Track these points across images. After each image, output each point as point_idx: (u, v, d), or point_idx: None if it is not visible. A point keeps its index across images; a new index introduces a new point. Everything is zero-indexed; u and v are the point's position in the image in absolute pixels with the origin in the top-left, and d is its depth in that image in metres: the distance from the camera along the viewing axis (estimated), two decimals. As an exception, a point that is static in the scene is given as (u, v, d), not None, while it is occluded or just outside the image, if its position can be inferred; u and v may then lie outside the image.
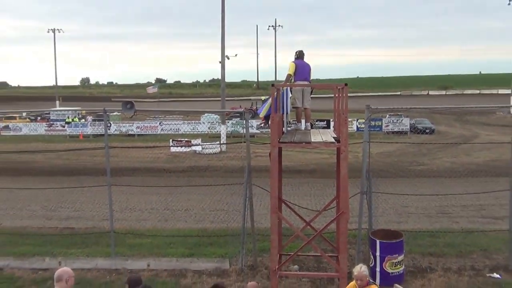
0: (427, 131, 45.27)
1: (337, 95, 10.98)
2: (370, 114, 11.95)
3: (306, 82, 11.70)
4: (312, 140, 9.82)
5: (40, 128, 52.75)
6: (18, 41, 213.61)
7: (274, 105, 9.56)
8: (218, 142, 36.50)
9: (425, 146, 35.03)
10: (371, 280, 8.04)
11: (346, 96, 9.62)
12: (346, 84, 9.83)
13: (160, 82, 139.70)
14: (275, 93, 9.52)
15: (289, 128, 11.79)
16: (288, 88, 11.27)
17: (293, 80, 11.58)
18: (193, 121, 50.78)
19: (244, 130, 12.94)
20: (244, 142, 12.76)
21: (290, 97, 11.35)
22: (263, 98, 69.55)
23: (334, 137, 10.08)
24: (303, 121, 12.12)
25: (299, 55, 11.96)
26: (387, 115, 47.57)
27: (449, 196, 16.83)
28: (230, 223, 14.99)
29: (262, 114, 11.41)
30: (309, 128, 11.96)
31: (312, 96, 12.13)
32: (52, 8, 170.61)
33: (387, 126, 46.61)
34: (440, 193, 17.00)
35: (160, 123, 50.98)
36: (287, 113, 11.30)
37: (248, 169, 12.07)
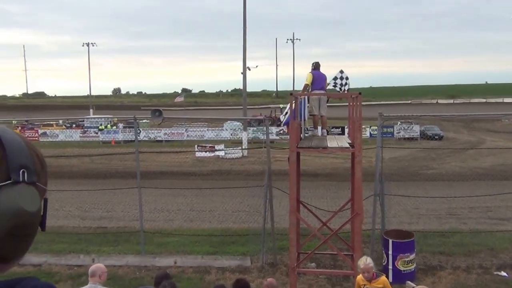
0: (436, 137, 44.87)
1: (351, 103, 10.96)
2: (383, 121, 11.90)
3: (322, 91, 11.69)
4: (329, 145, 9.81)
5: (75, 135, 53.13)
6: (55, 55, 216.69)
7: (292, 113, 9.58)
8: (240, 148, 36.51)
9: (435, 151, 34.75)
10: (378, 272, 7.99)
11: (360, 104, 9.60)
12: (360, 93, 9.81)
13: (186, 92, 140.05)
14: (294, 102, 9.53)
15: (306, 134, 11.78)
16: (306, 97, 11.29)
17: (310, 90, 11.58)
18: (217, 128, 50.82)
19: (264, 136, 12.96)
20: (265, 147, 12.78)
21: (308, 106, 11.36)
22: (281, 106, 69.59)
23: (349, 143, 10.06)
24: (319, 127, 12.11)
25: (316, 66, 11.98)
26: (399, 122, 47.26)
27: (458, 198, 16.66)
28: (251, 223, 14.99)
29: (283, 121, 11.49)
30: (326, 134, 11.94)
31: (328, 104, 12.12)
32: (86, 24, 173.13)
33: (399, 132, 46.31)
34: (449, 195, 16.84)
35: (186, 130, 51.11)
36: (304, 120, 11.31)
37: (268, 173, 12.09)
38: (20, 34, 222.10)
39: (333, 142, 10.46)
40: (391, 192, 12.13)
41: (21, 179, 1.19)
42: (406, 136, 46.24)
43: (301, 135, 11.06)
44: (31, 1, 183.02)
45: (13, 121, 50.86)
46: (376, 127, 40.19)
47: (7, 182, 1.17)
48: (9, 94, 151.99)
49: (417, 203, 17.07)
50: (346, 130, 35.91)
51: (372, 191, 11.78)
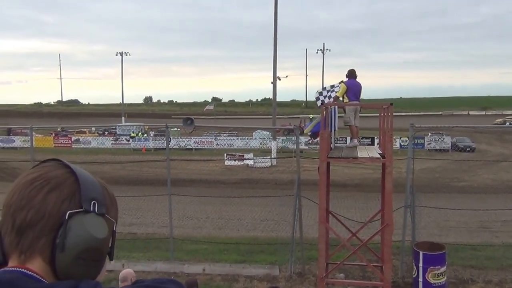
0: (468, 149, 44.19)
1: (382, 114, 10.85)
2: (414, 132, 11.73)
3: (356, 102, 11.60)
4: (359, 155, 9.73)
5: (107, 142, 53.76)
6: (89, 63, 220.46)
7: (323, 123, 9.52)
8: (269, 157, 36.48)
9: (466, 163, 34.20)
10: None
11: (391, 115, 9.49)
12: (391, 104, 9.71)
13: (216, 100, 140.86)
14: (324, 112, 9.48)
15: (337, 144, 11.71)
16: (336, 107, 11.22)
17: (345, 100, 11.46)
18: (246, 137, 50.92)
19: (293, 145, 12.91)
20: (294, 157, 12.72)
21: (344, 116, 11.30)
22: (311, 116, 69.38)
23: (379, 154, 9.94)
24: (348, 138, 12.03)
25: (351, 74, 11.81)
26: (429, 133, 46.69)
27: (490, 212, 16.34)
28: (279, 232, 14.92)
29: (307, 130, 11.42)
30: (357, 144, 11.84)
31: (359, 114, 12.03)
32: (120, 34, 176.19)
33: (429, 143, 45.75)
34: (480, 208, 16.51)
35: (215, 138, 51.33)
36: (334, 130, 11.24)
37: (298, 182, 12.02)
38: (55, 43, 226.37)
39: (364, 152, 10.36)
40: (422, 203, 11.93)
41: (91, 209, 1.35)
42: (437, 147, 45.63)
43: (331, 145, 10.98)
44: (66, 12, 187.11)
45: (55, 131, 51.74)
46: (406, 138, 39.90)
47: (79, 210, 1.33)
48: (44, 102, 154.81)
49: (447, 215, 16.79)
50: (376, 141, 35.62)
51: (402, 202, 11.61)
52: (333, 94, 12.16)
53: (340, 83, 11.90)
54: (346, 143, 27.90)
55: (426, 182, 23.77)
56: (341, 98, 11.55)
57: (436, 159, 34.32)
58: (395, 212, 9.91)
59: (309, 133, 11.51)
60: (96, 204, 1.36)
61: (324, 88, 12.81)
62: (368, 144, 35.64)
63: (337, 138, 12.24)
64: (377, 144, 29.81)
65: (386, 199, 9.16)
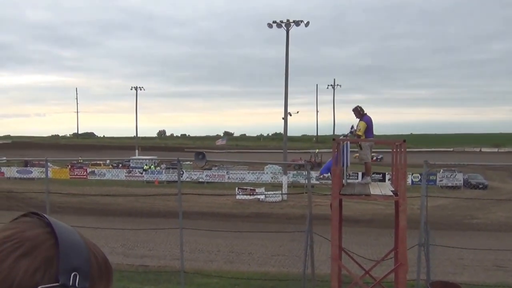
0: (480, 186, 43.62)
1: (395, 150, 10.69)
2: (428, 169, 11.51)
3: (372, 138, 11.47)
4: (372, 192, 9.54)
5: (121, 174, 53.87)
6: (105, 97, 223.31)
7: (335, 159, 9.37)
8: (280, 192, 36.23)
9: (479, 200, 33.67)
10: None
11: (405, 151, 9.33)
12: (404, 141, 9.55)
13: (227, 135, 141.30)
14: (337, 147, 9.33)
15: (349, 180, 11.53)
16: (349, 142, 11.07)
17: (363, 137, 11.30)
18: (257, 171, 50.76)
19: (304, 180, 12.74)
20: (306, 192, 12.53)
21: (360, 152, 11.15)
22: (317, 151, 69.13)
23: (392, 191, 9.75)
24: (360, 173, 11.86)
25: (363, 111, 11.67)
26: (441, 170, 46.16)
27: (505, 250, 15.94)
28: (291, 268, 14.63)
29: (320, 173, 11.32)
30: (370, 181, 11.63)
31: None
32: (135, 69, 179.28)
33: (441, 180, 45.18)
34: (495, 246, 16.13)
35: (227, 172, 51.21)
36: (347, 166, 11.06)
37: (309, 218, 11.79)
38: (73, 77, 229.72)
39: (376, 189, 10.17)
40: (435, 241, 11.63)
41: (70, 283, 1.00)
42: (449, 184, 45.05)
43: (343, 181, 10.79)
44: (83, 47, 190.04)
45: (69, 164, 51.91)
46: (418, 175, 39.48)
47: (53, 285, 0.99)
48: (61, 134, 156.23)
49: (461, 253, 16.41)
50: (387, 177, 35.30)
51: (415, 240, 11.32)
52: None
53: (360, 122, 11.68)
54: (357, 179, 27.65)
55: (439, 219, 23.37)
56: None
57: (450, 197, 33.84)
58: (408, 250, 9.65)
59: (324, 175, 11.38)
60: (78, 277, 1.01)
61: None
62: (379, 180, 35.36)
63: (349, 174, 12.02)
64: (389, 180, 29.55)
65: (400, 237, 8.92)
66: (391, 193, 9.40)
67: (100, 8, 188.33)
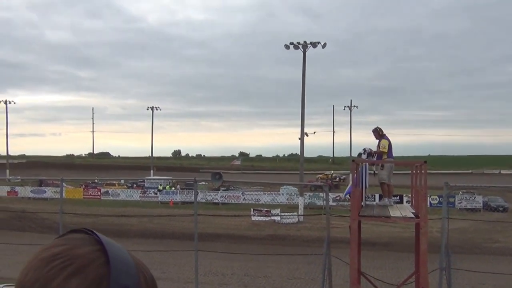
0: (500, 209, 42.97)
1: (415, 171, 10.54)
2: (449, 191, 11.32)
3: (392, 159, 11.35)
4: (391, 215, 9.38)
5: (136, 194, 53.89)
6: (120, 117, 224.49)
7: (354, 180, 9.25)
8: (296, 213, 35.96)
9: (500, 223, 33.07)
10: None
11: (425, 172, 9.19)
12: (425, 162, 9.42)
13: (243, 155, 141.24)
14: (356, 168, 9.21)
15: (367, 202, 11.38)
16: (367, 164, 10.94)
17: (384, 157, 11.19)
18: (273, 192, 50.53)
19: (321, 202, 12.59)
20: (323, 214, 12.39)
21: (380, 173, 11.01)
22: (332, 172, 68.76)
23: (412, 213, 9.58)
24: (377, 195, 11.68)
25: (382, 131, 11.59)
26: (460, 192, 45.55)
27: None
28: (307, 291, 14.41)
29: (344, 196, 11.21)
30: (388, 204, 11.46)
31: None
32: (151, 89, 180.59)
33: (460, 203, 44.58)
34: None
35: (242, 193, 51.04)
36: (366, 187, 10.92)
37: (327, 241, 11.61)
38: (89, 97, 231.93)
39: (396, 211, 10.01)
40: (456, 265, 11.38)
41: None
42: (468, 206, 44.42)
43: (362, 203, 10.64)
44: (100, 67, 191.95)
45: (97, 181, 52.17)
46: (435, 197, 38.97)
47: None
48: (76, 153, 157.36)
49: (482, 278, 16.04)
50: (405, 198, 34.88)
51: (435, 264, 11.08)
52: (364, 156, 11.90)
53: (382, 140, 11.56)
54: (374, 200, 27.33)
55: (459, 243, 22.97)
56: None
57: (470, 219, 33.31)
58: (429, 274, 9.44)
59: (346, 196, 11.28)
60: None
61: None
62: (397, 202, 34.97)
63: (367, 196, 11.88)
64: (406, 201, 29.21)
65: (422, 261, 8.73)
66: (411, 215, 9.24)
67: (118, 29, 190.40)
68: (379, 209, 10.54)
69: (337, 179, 75.91)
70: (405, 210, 10.28)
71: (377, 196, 28.99)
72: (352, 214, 8.90)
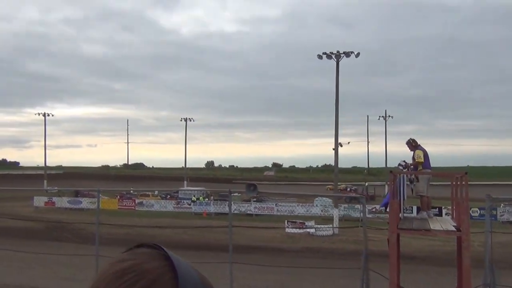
0: (545, 221, 41.67)
1: (455, 183, 10.26)
2: (491, 203, 10.98)
3: (430, 170, 11.09)
4: (432, 228, 9.13)
5: (169, 205, 54.17)
6: (154, 128, 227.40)
7: (392, 192, 9.04)
8: (331, 225, 35.59)
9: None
10: None
11: (467, 184, 8.92)
12: (466, 173, 9.15)
13: (276, 166, 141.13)
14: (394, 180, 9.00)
15: (405, 214, 11.12)
16: (405, 175, 10.70)
17: (420, 168, 10.97)
18: (307, 204, 50.18)
19: (357, 214, 12.37)
20: (360, 226, 12.17)
21: (416, 185, 10.76)
22: (366, 184, 68.11)
23: (453, 226, 9.30)
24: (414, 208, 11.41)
25: (416, 142, 11.40)
26: (501, 205, 44.30)
27: None
28: (343, 306, 14.15)
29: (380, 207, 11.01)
30: (427, 217, 11.17)
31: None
32: (184, 100, 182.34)
33: (502, 215, 43.35)
34: None
35: (276, 205, 50.81)
36: (404, 199, 10.68)
37: (365, 254, 11.38)
38: (123, 109, 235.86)
39: (436, 224, 9.74)
40: (501, 281, 11.00)
41: None
42: (511, 219, 43.15)
43: (400, 215, 10.40)
44: (134, 80, 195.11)
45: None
46: (476, 209, 38.02)
47: None
48: (111, 164, 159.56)
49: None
50: (444, 211, 34.14)
51: (478, 279, 10.72)
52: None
53: (415, 152, 11.34)
54: (412, 213, 26.81)
55: (503, 258, 22.27)
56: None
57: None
58: (472, 290, 9.13)
59: (381, 208, 11.06)
60: None
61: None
62: (436, 215, 34.28)
63: (405, 208, 11.63)
64: (446, 214, 28.57)
65: (464, 276, 8.45)
66: (453, 228, 8.97)
67: (152, 42, 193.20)
68: (418, 221, 10.28)
69: (348, 189, 75.50)
70: (446, 223, 10.00)
71: (414, 208, 28.49)
72: (390, 227, 8.68)
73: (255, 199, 49.31)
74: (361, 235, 11.80)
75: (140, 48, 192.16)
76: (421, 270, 21.73)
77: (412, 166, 11.23)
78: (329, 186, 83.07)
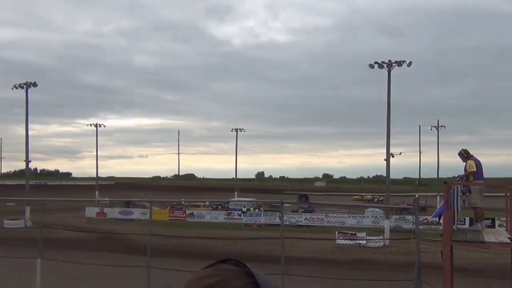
0: None
1: (510, 194, 10.08)
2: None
3: (483, 181, 10.93)
4: (486, 240, 8.99)
5: (220, 216, 54.43)
6: (205, 139, 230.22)
7: (446, 203, 8.97)
8: (382, 237, 35.15)
9: None
10: None
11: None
12: (521, 184, 8.98)
13: (327, 177, 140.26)
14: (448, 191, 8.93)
15: (458, 226, 10.96)
16: (459, 186, 10.57)
17: (471, 179, 10.83)
18: (358, 215, 49.68)
19: (408, 225, 12.27)
20: (413, 238, 12.06)
21: (469, 196, 10.62)
22: (416, 195, 66.78)
23: (509, 238, 9.14)
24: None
25: (469, 153, 11.26)
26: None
27: None
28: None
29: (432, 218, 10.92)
30: (480, 228, 11.00)
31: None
32: (235, 112, 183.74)
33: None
34: None
35: (326, 216, 50.49)
36: (457, 211, 10.55)
37: (417, 266, 11.27)
38: (175, 120, 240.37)
39: (491, 236, 9.59)
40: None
41: None
42: None
43: (454, 227, 10.27)
44: (186, 91, 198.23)
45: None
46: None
47: None
48: (162, 175, 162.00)
49: None
50: (497, 222, 33.21)
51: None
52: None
53: (467, 162, 11.20)
54: (465, 224, 26.17)
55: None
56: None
57: None
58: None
59: (433, 219, 10.97)
60: None
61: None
62: (489, 226, 33.41)
63: (458, 219, 11.44)
64: (499, 225, 27.82)
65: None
66: (508, 240, 8.82)
67: (204, 53, 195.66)
68: (472, 233, 10.13)
69: (375, 200, 74.32)
70: (500, 235, 9.83)
71: (467, 219, 27.86)
72: (444, 239, 8.61)
73: (303, 210, 49.11)
74: (413, 246, 11.69)
75: (192, 59, 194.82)
76: (474, 283, 21.22)
77: (464, 177, 11.09)
78: (355, 197, 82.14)
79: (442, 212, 9.91)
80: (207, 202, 61.27)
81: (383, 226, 40.12)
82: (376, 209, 48.07)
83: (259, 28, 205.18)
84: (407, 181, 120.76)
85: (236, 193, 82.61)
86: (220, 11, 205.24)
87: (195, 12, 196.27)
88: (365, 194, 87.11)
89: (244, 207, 54.87)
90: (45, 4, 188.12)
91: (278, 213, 45.54)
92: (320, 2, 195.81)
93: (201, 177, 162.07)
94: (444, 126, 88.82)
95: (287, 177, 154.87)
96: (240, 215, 53.31)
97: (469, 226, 17.18)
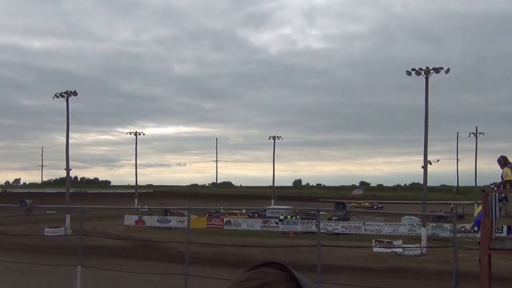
0: None
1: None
2: None
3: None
4: (525, 248, 8.78)
5: (257, 224, 54.21)
6: (242, 147, 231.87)
7: (484, 211, 8.81)
8: (419, 245, 34.60)
9: None
10: None
11: None
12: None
13: (364, 185, 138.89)
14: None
15: (496, 235, 10.74)
16: (497, 194, 10.36)
17: (508, 187, 10.63)
18: (394, 223, 49.03)
19: (445, 233, 12.08)
20: (450, 246, 11.86)
21: (508, 204, 10.42)
22: (452, 205, 65.59)
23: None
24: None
25: (507, 160, 11.09)
26: None
27: None
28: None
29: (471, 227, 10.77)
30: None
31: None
32: (272, 119, 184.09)
33: None
34: None
35: (363, 224, 50.01)
36: (496, 219, 10.34)
37: (455, 275, 11.07)
38: (212, 128, 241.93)
39: (531, 245, 9.35)
40: None
41: None
42: None
43: (492, 235, 10.06)
44: (223, 99, 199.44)
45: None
46: None
47: None
48: (200, 183, 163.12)
49: None
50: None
51: None
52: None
53: (504, 170, 11.02)
54: (502, 233, 25.56)
55: None
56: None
57: None
58: None
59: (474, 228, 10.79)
60: None
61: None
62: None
63: (496, 228, 11.22)
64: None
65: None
66: (548, 250, 8.60)
67: (241, 61, 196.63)
68: (510, 241, 9.92)
69: (375, 207, 72.95)
70: (541, 244, 9.59)
71: (505, 227, 27.19)
72: (482, 247, 8.45)
73: (336, 218, 48.71)
74: (450, 255, 11.48)
75: (230, 67, 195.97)
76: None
77: (501, 185, 10.88)
78: (353, 204, 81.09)
79: (479, 220, 9.73)
80: (244, 210, 61.27)
81: (420, 234, 39.51)
82: (413, 217, 47.39)
83: (296, 35, 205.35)
84: (444, 188, 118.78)
85: (273, 201, 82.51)
86: (257, 18, 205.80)
87: (233, 20, 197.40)
88: (363, 201, 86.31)
89: (282, 215, 54.63)
90: (84, 14, 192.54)
91: (314, 221, 45.23)
92: (357, 8, 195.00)
93: (238, 185, 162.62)
94: (483, 133, 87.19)
95: (324, 185, 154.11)
96: (277, 223, 53.09)
97: (507, 234, 16.84)
